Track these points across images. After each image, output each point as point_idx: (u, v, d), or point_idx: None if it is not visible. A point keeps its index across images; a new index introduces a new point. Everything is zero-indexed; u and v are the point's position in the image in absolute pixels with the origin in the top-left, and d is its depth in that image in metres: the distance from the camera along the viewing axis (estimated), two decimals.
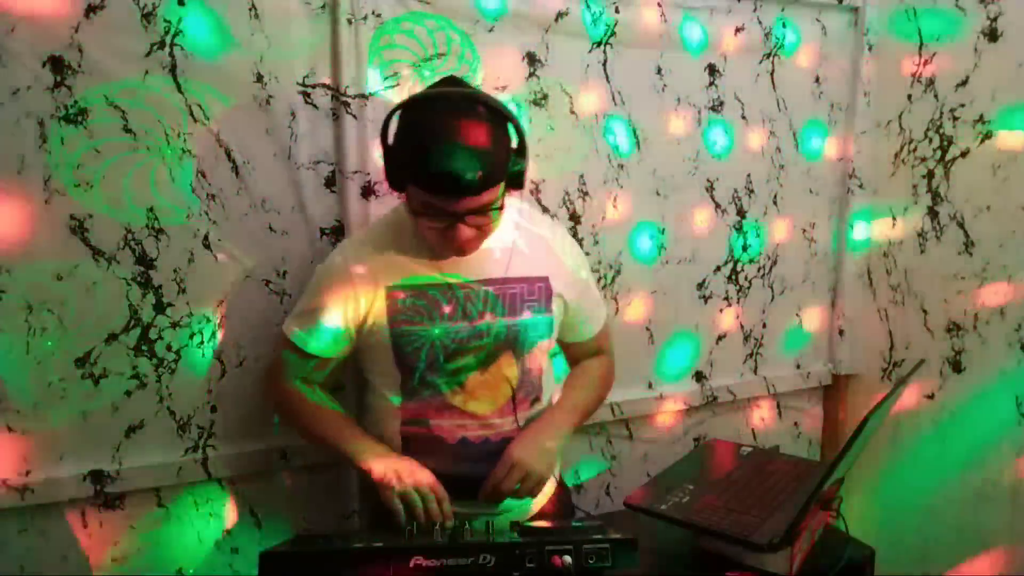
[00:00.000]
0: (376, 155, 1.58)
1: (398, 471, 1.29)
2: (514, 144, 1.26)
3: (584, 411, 1.50)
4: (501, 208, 1.26)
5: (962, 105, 1.89)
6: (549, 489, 1.50)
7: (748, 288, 2.11)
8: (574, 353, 1.58)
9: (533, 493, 1.34)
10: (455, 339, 1.33)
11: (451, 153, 1.16)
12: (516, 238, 1.40)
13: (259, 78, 1.49)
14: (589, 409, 1.52)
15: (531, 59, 1.71)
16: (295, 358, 1.38)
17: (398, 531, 1.20)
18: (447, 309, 1.33)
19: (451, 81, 1.27)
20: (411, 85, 1.61)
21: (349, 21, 1.52)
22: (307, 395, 1.41)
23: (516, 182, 1.27)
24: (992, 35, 1.82)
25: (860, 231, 2.17)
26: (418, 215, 1.25)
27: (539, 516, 1.47)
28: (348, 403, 1.66)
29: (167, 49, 1.41)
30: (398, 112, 1.24)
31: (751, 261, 2.10)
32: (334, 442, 1.38)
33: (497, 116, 1.22)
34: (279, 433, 1.62)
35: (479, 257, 1.34)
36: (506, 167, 1.23)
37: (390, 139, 1.26)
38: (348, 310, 1.33)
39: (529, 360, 1.40)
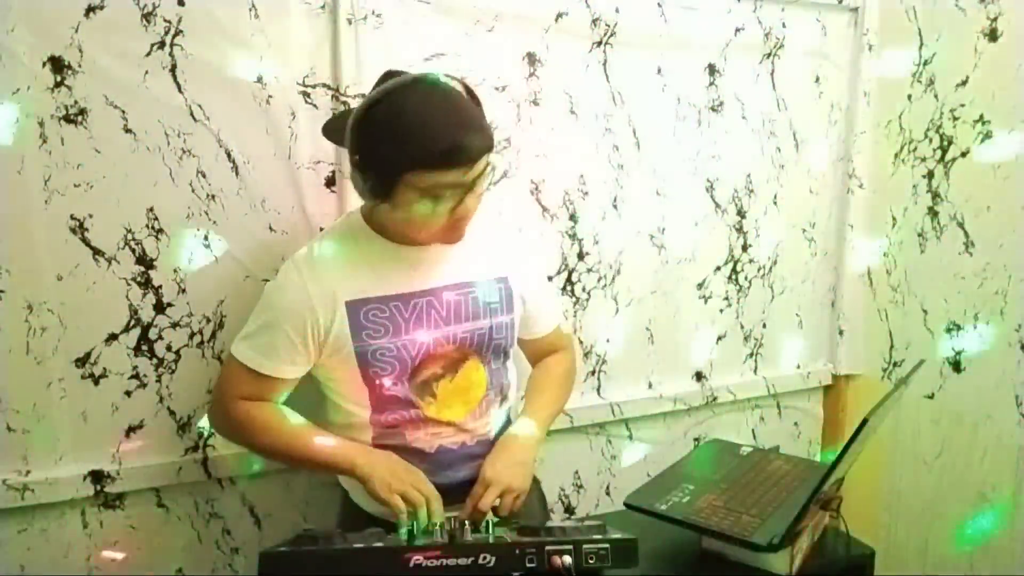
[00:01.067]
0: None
1: (393, 468, 1.27)
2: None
3: (552, 413, 1.49)
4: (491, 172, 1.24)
5: (962, 105, 1.89)
6: None
7: (748, 288, 2.11)
8: (533, 350, 1.57)
9: (515, 509, 1.32)
10: (421, 349, 1.32)
11: (455, 121, 1.16)
12: (475, 240, 1.36)
13: (259, 78, 1.49)
14: (556, 410, 1.52)
15: (531, 59, 1.71)
16: (248, 381, 1.30)
17: (388, 530, 1.20)
18: (411, 320, 1.31)
19: (393, 73, 1.24)
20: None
21: (349, 21, 1.52)
22: (265, 412, 1.32)
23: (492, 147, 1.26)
24: (992, 35, 1.82)
25: (860, 231, 2.17)
26: (428, 200, 1.19)
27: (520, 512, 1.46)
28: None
29: (167, 49, 1.41)
30: (366, 119, 1.18)
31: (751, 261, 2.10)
32: (306, 453, 1.31)
33: (462, 87, 1.23)
34: None
35: (439, 262, 1.33)
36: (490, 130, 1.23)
37: (369, 146, 1.19)
38: (306, 328, 1.27)
39: (495, 361, 1.40)
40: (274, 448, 1.35)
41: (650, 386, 2.02)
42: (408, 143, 1.15)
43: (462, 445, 1.37)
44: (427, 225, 1.24)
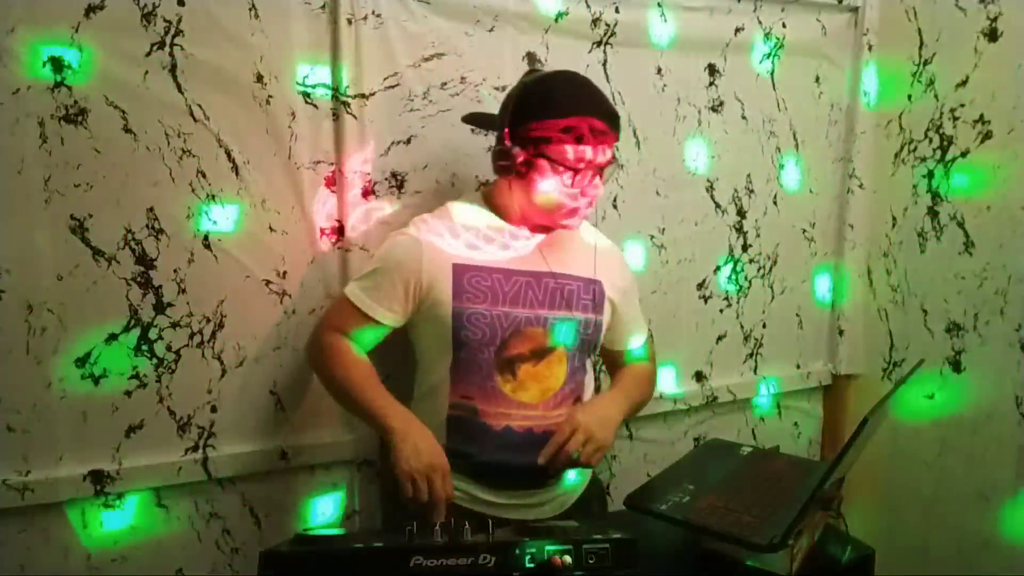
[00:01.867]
0: (376, 147, 1.59)
1: (419, 448, 1.28)
2: None
3: (634, 404, 1.54)
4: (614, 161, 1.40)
5: (962, 105, 1.89)
6: (586, 478, 1.53)
7: (748, 288, 2.11)
8: (619, 362, 1.62)
9: (594, 460, 1.35)
10: (513, 324, 1.37)
11: (597, 99, 1.36)
12: (578, 240, 1.49)
13: (259, 78, 1.49)
14: (638, 404, 1.57)
15: (531, 59, 1.71)
16: (346, 314, 1.41)
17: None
18: (509, 295, 1.39)
19: (535, 70, 1.47)
20: (411, 85, 1.61)
21: (349, 21, 1.52)
22: (348, 348, 1.41)
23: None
24: (992, 35, 1.82)
25: (860, 230, 2.17)
26: (560, 171, 1.33)
27: (577, 509, 1.48)
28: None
29: (167, 49, 1.41)
30: (522, 90, 1.37)
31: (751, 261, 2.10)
32: (361, 396, 1.37)
33: None
34: (279, 433, 1.62)
35: (545, 252, 1.44)
36: None
37: (515, 121, 1.36)
38: (410, 279, 1.37)
39: (578, 358, 1.45)
40: (338, 379, 1.41)
41: None
42: (566, 106, 1.32)
43: (528, 431, 1.39)
44: (558, 200, 1.37)
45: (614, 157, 1.39)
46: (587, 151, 1.33)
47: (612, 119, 1.36)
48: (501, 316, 1.38)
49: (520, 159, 1.35)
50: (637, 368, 1.61)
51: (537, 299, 1.41)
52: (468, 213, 1.45)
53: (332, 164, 1.58)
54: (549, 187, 1.36)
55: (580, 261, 1.47)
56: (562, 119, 1.31)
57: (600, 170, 1.37)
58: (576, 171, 1.34)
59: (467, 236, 1.42)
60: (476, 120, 1.56)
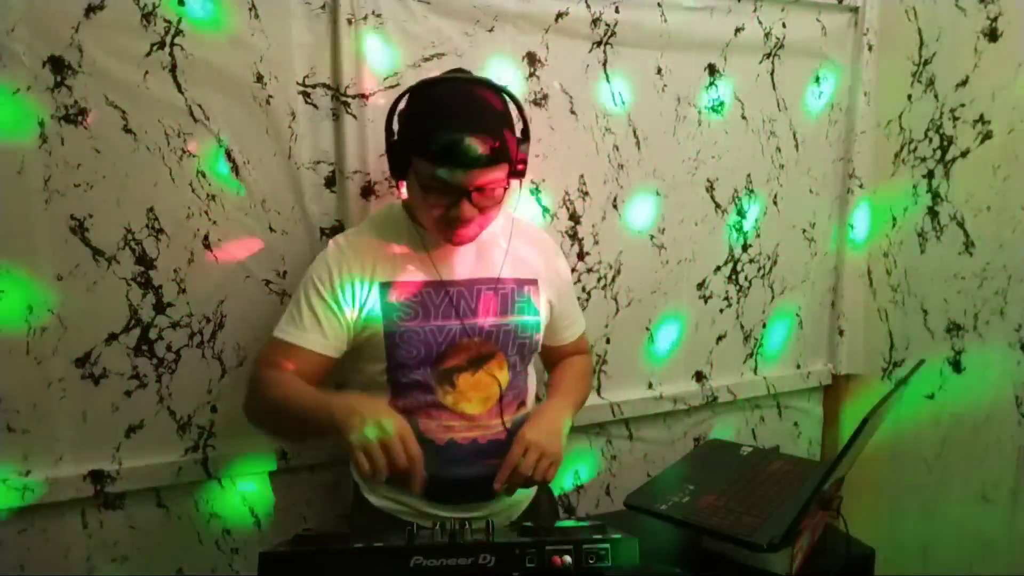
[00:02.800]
0: (376, 147, 1.59)
1: (362, 411, 1.15)
2: (518, 131, 1.30)
3: (578, 401, 1.51)
4: (506, 189, 1.28)
5: (962, 105, 1.89)
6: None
7: (748, 288, 2.11)
8: (555, 356, 1.59)
9: (549, 475, 1.30)
10: (448, 336, 1.34)
11: (463, 125, 1.20)
12: (509, 240, 1.43)
13: (259, 78, 1.49)
14: (581, 400, 1.54)
15: (531, 59, 1.71)
16: (275, 351, 1.31)
17: (397, 525, 1.20)
18: (441, 307, 1.34)
19: (459, 71, 1.35)
20: (411, 85, 1.61)
21: (349, 21, 1.52)
22: (276, 373, 1.29)
23: (518, 169, 1.30)
24: (992, 35, 1.82)
25: (860, 231, 2.18)
26: (425, 191, 1.25)
27: (527, 517, 1.46)
28: None
29: (167, 49, 1.41)
30: (407, 94, 1.29)
31: (751, 261, 2.10)
32: (298, 405, 1.24)
33: (504, 100, 1.29)
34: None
35: (473, 256, 1.38)
36: (510, 150, 1.26)
37: (397, 121, 1.30)
38: (338, 293, 1.31)
39: (518, 362, 1.41)
40: (275, 406, 1.28)
41: (650, 386, 2.02)
42: (423, 129, 1.22)
43: (473, 442, 1.37)
44: (426, 217, 1.29)
45: (505, 184, 1.28)
46: (453, 176, 1.21)
47: (488, 158, 1.21)
48: (435, 330, 1.33)
49: (393, 166, 1.30)
50: (576, 363, 1.57)
51: (470, 308, 1.35)
52: (388, 226, 1.39)
53: (332, 164, 1.58)
54: (417, 201, 1.29)
55: (512, 262, 1.41)
56: (436, 165, 1.21)
57: (469, 194, 1.24)
58: (442, 193, 1.24)
59: (390, 251, 1.35)
60: None
